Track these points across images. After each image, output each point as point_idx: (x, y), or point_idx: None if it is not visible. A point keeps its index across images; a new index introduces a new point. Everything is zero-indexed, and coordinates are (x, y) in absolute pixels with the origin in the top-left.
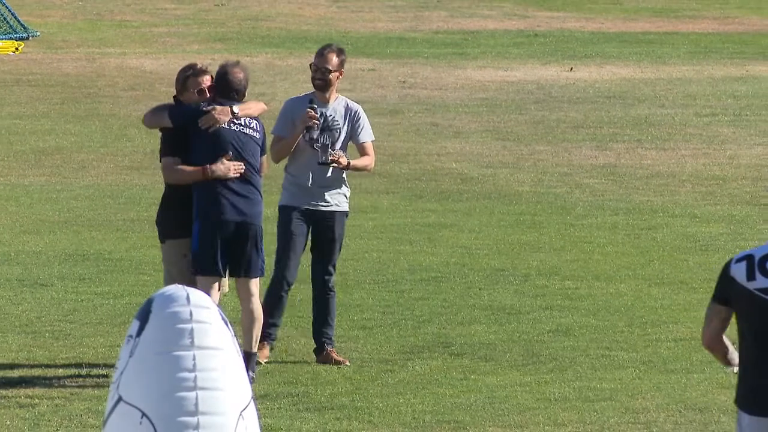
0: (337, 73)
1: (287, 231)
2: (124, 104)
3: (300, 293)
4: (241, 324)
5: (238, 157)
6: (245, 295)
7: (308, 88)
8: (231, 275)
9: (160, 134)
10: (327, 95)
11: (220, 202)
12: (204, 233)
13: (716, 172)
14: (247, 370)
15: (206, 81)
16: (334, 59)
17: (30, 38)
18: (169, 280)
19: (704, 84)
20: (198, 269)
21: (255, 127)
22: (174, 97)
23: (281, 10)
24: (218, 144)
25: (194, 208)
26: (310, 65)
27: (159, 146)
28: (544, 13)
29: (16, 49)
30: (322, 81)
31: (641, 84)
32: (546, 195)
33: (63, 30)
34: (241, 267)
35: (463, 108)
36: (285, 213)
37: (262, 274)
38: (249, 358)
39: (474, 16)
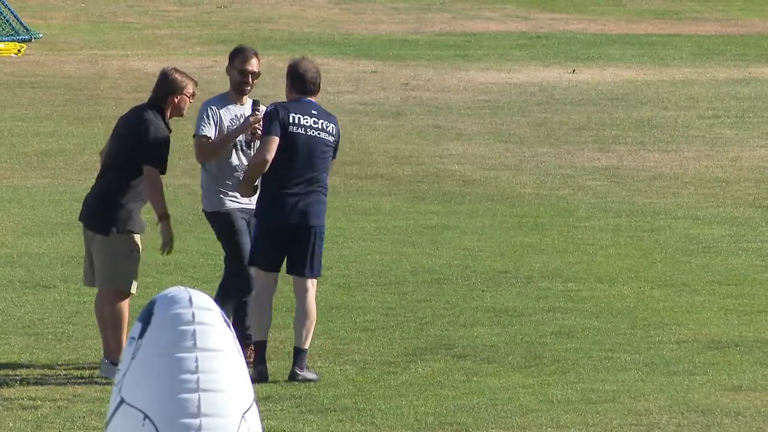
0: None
1: (236, 233)
2: (126, 106)
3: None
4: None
5: (300, 160)
6: (298, 294)
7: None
8: (288, 273)
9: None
10: (245, 97)
11: (278, 204)
12: (262, 231)
13: (719, 174)
14: (294, 366)
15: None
16: (258, 62)
17: (32, 40)
18: (118, 272)
19: (707, 86)
20: (252, 262)
21: (330, 131)
22: (155, 98)
23: (283, 12)
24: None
25: (256, 206)
26: (228, 69)
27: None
28: (546, 15)
29: (19, 51)
30: (251, 86)
31: (644, 86)
32: (548, 197)
33: (66, 32)
34: (295, 266)
35: (466, 110)
36: (225, 217)
37: (317, 275)
38: (297, 354)
39: (476, 18)
